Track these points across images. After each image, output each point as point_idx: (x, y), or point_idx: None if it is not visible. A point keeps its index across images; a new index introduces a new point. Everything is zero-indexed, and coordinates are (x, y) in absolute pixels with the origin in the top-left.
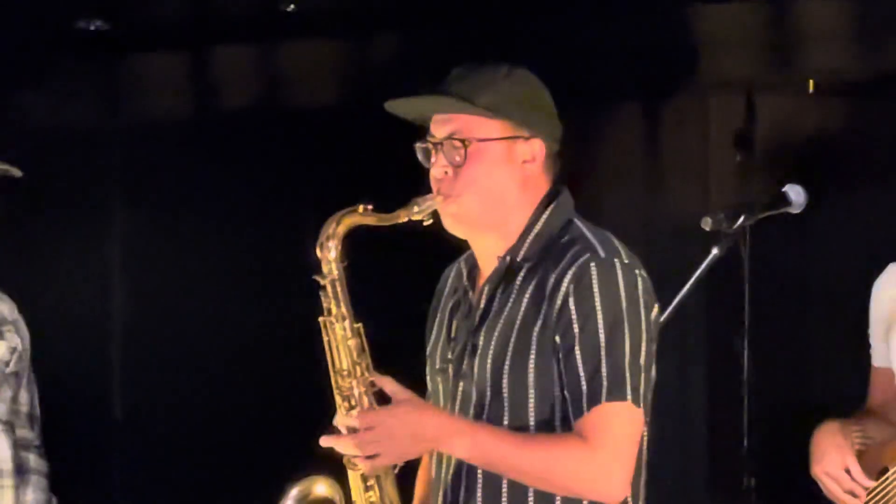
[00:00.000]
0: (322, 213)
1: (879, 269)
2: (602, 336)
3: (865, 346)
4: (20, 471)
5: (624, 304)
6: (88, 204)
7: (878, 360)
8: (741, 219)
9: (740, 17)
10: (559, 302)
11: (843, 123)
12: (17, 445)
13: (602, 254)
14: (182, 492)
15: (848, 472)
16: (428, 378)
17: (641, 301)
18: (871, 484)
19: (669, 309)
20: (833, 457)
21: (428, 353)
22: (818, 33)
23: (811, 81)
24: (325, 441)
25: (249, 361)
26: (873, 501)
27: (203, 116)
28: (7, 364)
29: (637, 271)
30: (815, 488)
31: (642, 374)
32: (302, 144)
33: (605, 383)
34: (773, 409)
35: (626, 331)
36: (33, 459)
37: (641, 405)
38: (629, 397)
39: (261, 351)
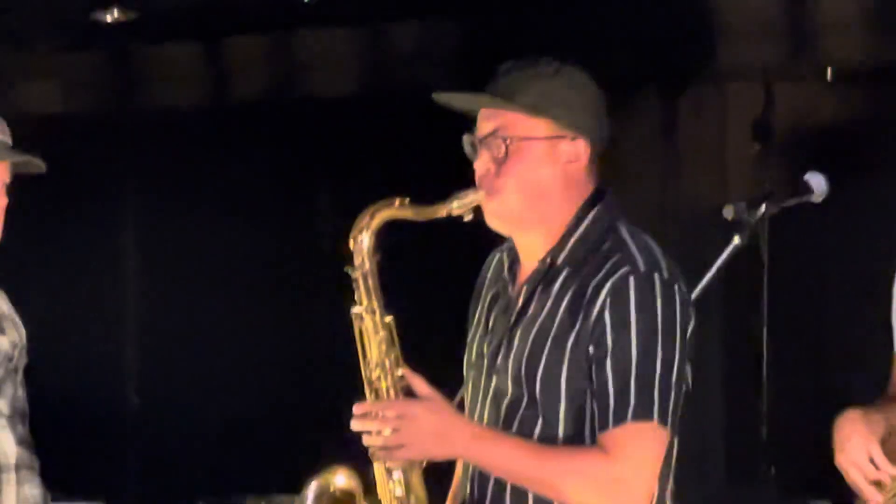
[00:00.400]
0: (338, 202)
1: None
2: (634, 353)
3: (886, 333)
4: (19, 465)
5: (660, 322)
6: (104, 193)
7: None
8: (763, 207)
9: (758, 5)
10: (595, 313)
11: (862, 111)
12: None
13: (642, 268)
14: (198, 480)
15: (871, 460)
16: (465, 366)
17: (678, 318)
18: (895, 471)
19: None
20: (856, 445)
21: (469, 339)
22: (836, 21)
23: (829, 69)
24: (354, 425)
25: (268, 351)
26: None
27: (219, 106)
28: (11, 359)
29: (676, 286)
30: (834, 476)
31: (672, 393)
32: (319, 135)
33: (632, 402)
34: (791, 397)
35: (660, 349)
36: (27, 455)
37: (668, 425)
38: (656, 418)
39: (280, 340)
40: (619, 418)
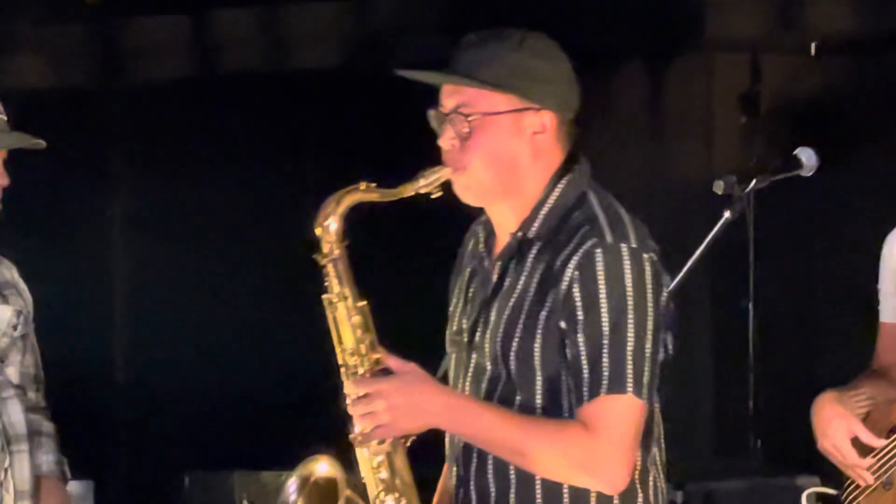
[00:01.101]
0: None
1: (886, 230)
2: (605, 326)
3: (871, 306)
4: (32, 434)
5: (630, 293)
6: (90, 167)
7: (886, 315)
8: (753, 182)
9: None
10: (564, 288)
11: (848, 84)
12: (28, 409)
13: (609, 239)
14: (185, 457)
15: (856, 439)
16: (447, 341)
17: (649, 288)
18: (881, 443)
19: (681, 274)
20: (837, 427)
21: (449, 314)
22: None
23: (815, 42)
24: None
25: (256, 328)
26: (885, 460)
27: (205, 79)
28: (15, 328)
29: (645, 256)
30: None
31: (647, 365)
32: (305, 108)
33: (605, 375)
34: (779, 372)
35: (631, 321)
36: (42, 421)
37: (644, 396)
38: (630, 390)
39: (268, 317)
40: (594, 392)
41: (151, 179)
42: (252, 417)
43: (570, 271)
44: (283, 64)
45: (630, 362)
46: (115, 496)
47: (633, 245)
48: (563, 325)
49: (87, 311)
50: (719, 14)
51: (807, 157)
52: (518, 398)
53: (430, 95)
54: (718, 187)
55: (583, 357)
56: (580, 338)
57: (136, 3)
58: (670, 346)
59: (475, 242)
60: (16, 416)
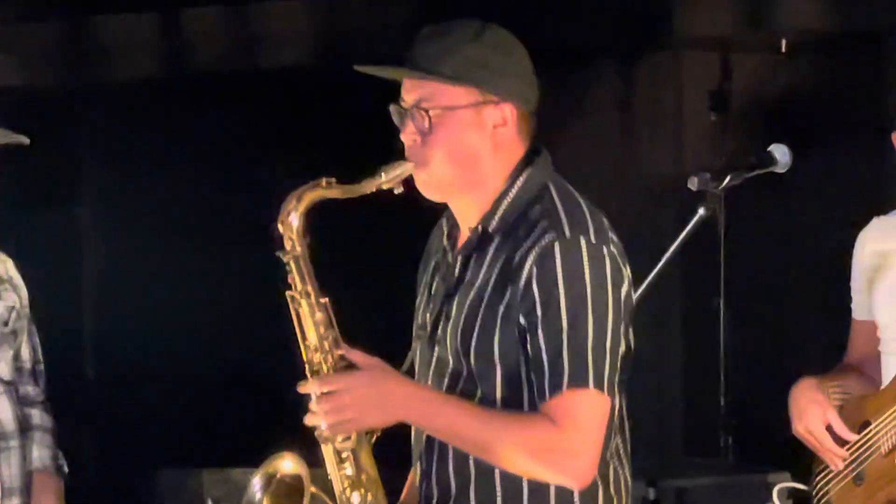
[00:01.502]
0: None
1: (855, 225)
2: (565, 321)
3: (842, 303)
4: (24, 429)
5: (588, 287)
6: (59, 164)
7: (859, 313)
8: (728, 178)
9: None
10: (523, 282)
11: (818, 81)
12: (21, 403)
13: (568, 233)
14: (156, 455)
15: (829, 427)
16: (413, 334)
17: (609, 281)
18: (854, 437)
19: (654, 272)
20: (813, 413)
21: (416, 305)
22: None
23: (785, 39)
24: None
25: (225, 326)
26: (857, 454)
27: (174, 77)
28: (6, 323)
29: (605, 249)
30: (792, 448)
31: (607, 358)
32: (274, 106)
33: (566, 370)
34: (750, 369)
35: (591, 315)
36: (38, 415)
37: (605, 389)
38: (591, 384)
39: (232, 318)
40: (555, 387)
41: (120, 177)
42: (222, 415)
43: (528, 266)
44: (251, 62)
45: (590, 356)
46: (85, 494)
47: (592, 239)
48: (522, 320)
49: (56, 309)
50: (689, 12)
51: (781, 154)
52: (479, 392)
53: (397, 91)
54: (693, 183)
55: (543, 352)
56: (540, 332)
57: (103, 2)
58: (631, 340)
59: (440, 236)
60: (4, 413)
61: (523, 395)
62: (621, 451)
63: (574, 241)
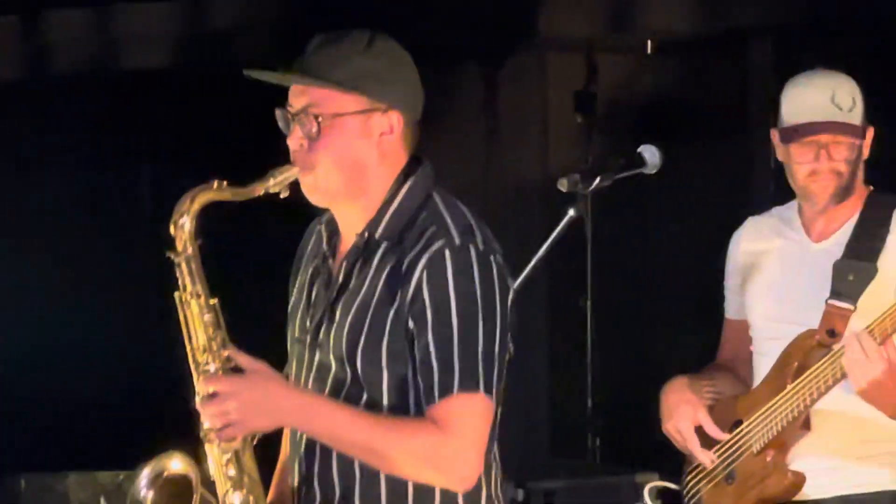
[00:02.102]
0: (160, 176)
1: (723, 226)
2: (455, 326)
3: (711, 303)
4: None
5: (478, 293)
6: None
7: (731, 312)
8: (598, 180)
9: None
10: (412, 288)
11: (684, 82)
12: None
13: (457, 240)
14: (21, 458)
15: (701, 427)
16: (289, 342)
17: (497, 289)
18: (725, 437)
19: (523, 274)
20: (683, 412)
21: (289, 313)
22: None
23: (649, 41)
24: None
25: (97, 329)
26: (728, 454)
27: (38, 80)
28: None
29: (492, 257)
30: (659, 448)
31: (496, 364)
32: (138, 108)
33: (457, 374)
34: (616, 370)
35: (480, 321)
36: None
37: (493, 394)
38: (481, 389)
39: (105, 319)
40: (445, 391)
41: None
42: (88, 417)
43: (418, 272)
44: (116, 64)
45: (481, 361)
46: None
47: (481, 247)
48: (411, 325)
49: None
50: (553, 13)
51: (650, 155)
52: (364, 397)
53: (271, 95)
54: (563, 185)
55: (433, 357)
56: (430, 337)
57: None
58: (511, 348)
59: (317, 241)
60: None
61: (409, 400)
62: (496, 454)
63: (464, 248)
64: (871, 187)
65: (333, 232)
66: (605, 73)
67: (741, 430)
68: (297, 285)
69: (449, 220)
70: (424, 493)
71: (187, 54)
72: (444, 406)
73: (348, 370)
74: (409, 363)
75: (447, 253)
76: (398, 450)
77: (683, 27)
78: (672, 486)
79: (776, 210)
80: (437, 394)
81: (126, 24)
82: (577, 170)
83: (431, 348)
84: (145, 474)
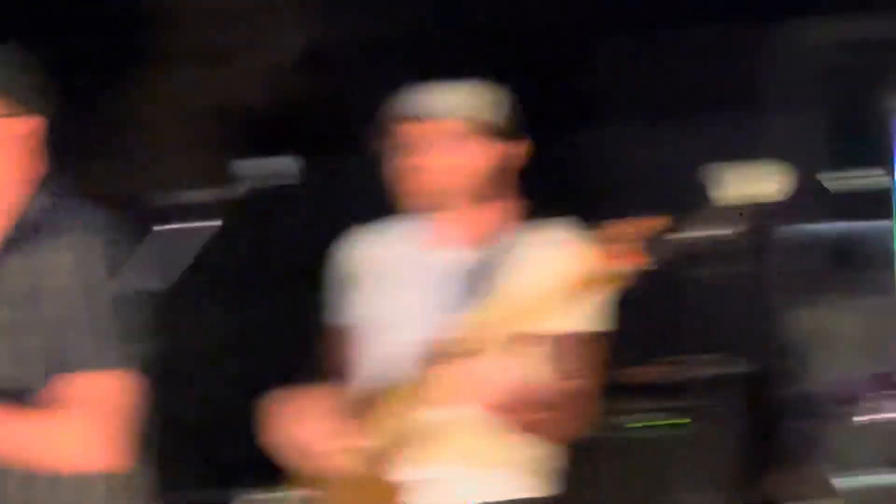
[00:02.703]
0: None
1: (338, 235)
2: (78, 308)
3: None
4: None
5: (96, 280)
6: None
7: (337, 317)
8: (235, 189)
9: None
10: (47, 283)
11: (325, 92)
12: None
13: (79, 233)
14: None
15: (312, 432)
16: None
17: (111, 274)
18: (341, 440)
19: (179, 277)
20: (295, 421)
21: None
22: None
23: (289, 52)
24: None
25: None
26: (346, 455)
27: None
28: None
29: (111, 247)
30: (255, 460)
31: (123, 343)
32: None
33: (81, 353)
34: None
35: (99, 303)
36: None
37: (124, 372)
38: (111, 365)
39: None
40: (72, 370)
41: None
42: None
43: (53, 266)
44: None
45: (105, 340)
46: None
47: (100, 237)
48: (33, 314)
49: None
50: (189, 26)
51: (287, 165)
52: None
53: None
54: (200, 196)
55: (59, 339)
56: (63, 324)
57: None
58: (143, 335)
59: None
60: None
61: (32, 385)
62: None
63: (84, 240)
64: (504, 199)
65: None
66: (243, 84)
67: (353, 433)
68: None
69: (79, 219)
70: (85, 482)
71: None
72: (71, 386)
73: None
74: (33, 351)
75: (68, 245)
76: (22, 438)
77: (325, 36)
78: (263, 496)
79: (395, 219)
80: (57, 376)
81: None
82: (217, 180)
83: (59, 331)
84: None
